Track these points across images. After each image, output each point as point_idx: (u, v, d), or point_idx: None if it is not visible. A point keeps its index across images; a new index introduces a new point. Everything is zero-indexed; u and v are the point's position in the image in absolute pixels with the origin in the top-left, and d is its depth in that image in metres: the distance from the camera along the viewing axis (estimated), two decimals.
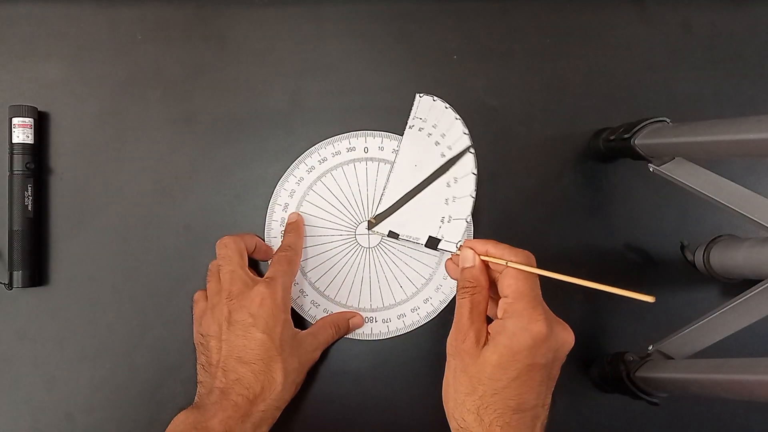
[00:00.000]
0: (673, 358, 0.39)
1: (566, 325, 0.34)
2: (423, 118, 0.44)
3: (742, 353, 0.34)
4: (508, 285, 0.34)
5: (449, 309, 0.44)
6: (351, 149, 0.45)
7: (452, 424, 0.35)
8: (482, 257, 0.36)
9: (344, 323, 0.43)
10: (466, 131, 0.43)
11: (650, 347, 0.40)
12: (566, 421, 0.44)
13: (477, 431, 0.33)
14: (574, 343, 0.34)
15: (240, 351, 0.37)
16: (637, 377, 0.39)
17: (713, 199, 0.37)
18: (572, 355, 0.44)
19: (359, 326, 0.44)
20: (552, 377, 0.35)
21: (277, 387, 0.37)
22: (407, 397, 0.44)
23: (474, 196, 0.42)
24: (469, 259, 0.37)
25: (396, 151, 0.44)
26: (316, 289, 0.44)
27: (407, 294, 0.44)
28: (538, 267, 0.35)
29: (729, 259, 0.40)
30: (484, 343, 0.34)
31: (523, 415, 0.33)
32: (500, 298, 0.35)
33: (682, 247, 0.44)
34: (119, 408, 0.43)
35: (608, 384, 0.42)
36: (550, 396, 0.35)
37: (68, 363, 0.43)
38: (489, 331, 0.34)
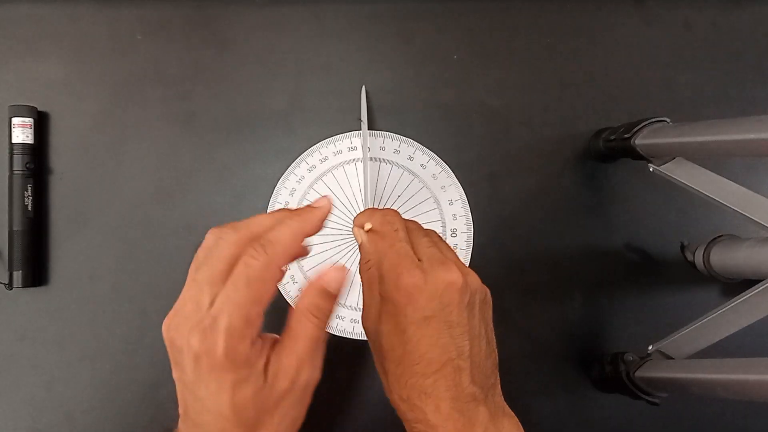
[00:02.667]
0: (673, 358, 0.39)
1: (447, 262, 0.29)
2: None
3: (742, 353, 0.34)
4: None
5: None
6: (352, 148, 0.45)
7: (407, 427, 0.30)
8: (366, 230, 0.32)
9: (318, 283, 0.30)
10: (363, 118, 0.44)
11: (650, 347, 0.40)
12: (566, 421, 0.44)
13: (411, 416, 0.28)
14: (460, 281, 0.29)
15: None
16: (637, 377, 0.39)
17: (713, 199, 0.37)
18: (572, 355, 0.45)
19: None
20: (452, 324, 0.28)
21: None
22: None
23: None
24: (358, 236, 0.33)
25: (368, 150, 0.45)
26: None
27: None
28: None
29: (729, 259, 0.40)
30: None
31: (437, 376, 0.28)
32: None
33: (682, 247, 0.44)
34: (119, 408, 0.43)
35: (608, 384, 0.42)
36: (468, 343, 0.29)
37: (68, 363, 0.43)
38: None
